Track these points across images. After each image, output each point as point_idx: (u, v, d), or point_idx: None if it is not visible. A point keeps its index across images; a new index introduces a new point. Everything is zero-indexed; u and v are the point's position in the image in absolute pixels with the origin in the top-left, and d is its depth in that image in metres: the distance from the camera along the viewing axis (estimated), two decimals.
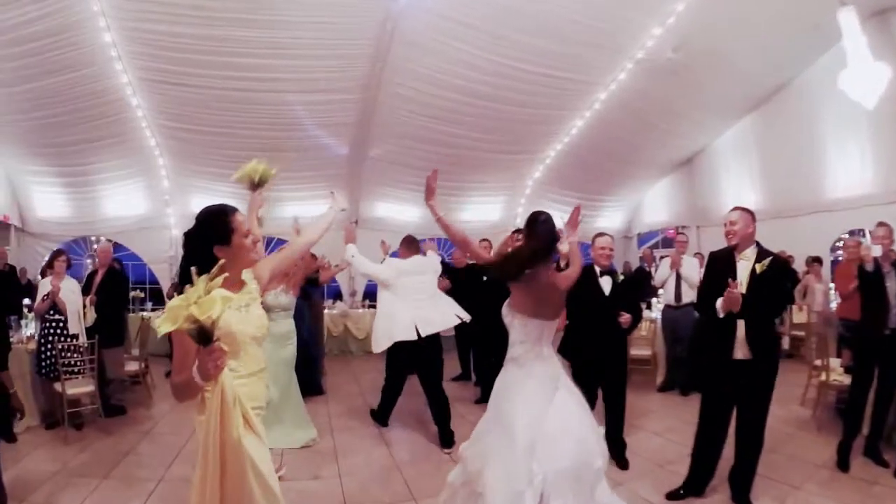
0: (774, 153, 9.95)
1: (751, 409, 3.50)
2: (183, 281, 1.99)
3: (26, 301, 5.86)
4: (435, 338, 4.94)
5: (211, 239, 2.10)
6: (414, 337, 4.77)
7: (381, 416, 5.49)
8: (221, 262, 1.85)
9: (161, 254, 10.22)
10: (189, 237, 2.17)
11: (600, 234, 4.66)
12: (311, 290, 6.71)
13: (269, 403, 4.05)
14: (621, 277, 4.52)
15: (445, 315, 5.03)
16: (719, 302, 3.46)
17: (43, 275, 6.70)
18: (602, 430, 3.00)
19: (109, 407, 5.56)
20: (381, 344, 4.90)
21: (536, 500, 2.57)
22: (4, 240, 9.98)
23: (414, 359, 5.01)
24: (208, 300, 1.72)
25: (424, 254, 5.29)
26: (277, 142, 8.79)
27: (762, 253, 3.52)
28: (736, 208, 3.69)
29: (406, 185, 10.24)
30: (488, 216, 11.66)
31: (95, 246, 10.26)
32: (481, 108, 8.58)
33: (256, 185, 3.40)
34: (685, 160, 11.72)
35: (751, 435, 3.51)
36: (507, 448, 2.67)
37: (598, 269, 4.45)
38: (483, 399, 5.95)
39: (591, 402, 4.38)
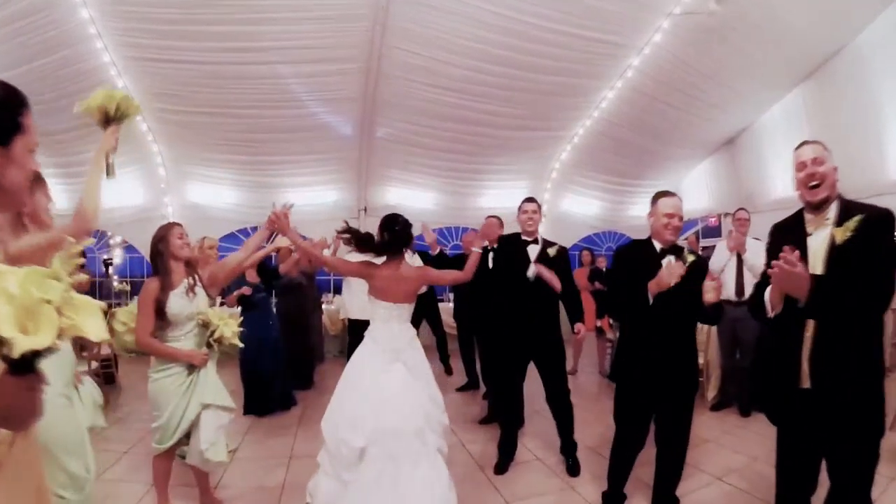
0: (828, 129, 8.63)
1: (841, 468, 2.26)
2: None
3: None
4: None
5: None
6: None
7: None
8: None
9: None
10: None
11: (665, 194, 3.20)
12: (277, 281, 5.97)
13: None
14: (691, 257, 3.08)
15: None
16: (768, 291, 2.38)
17: None
18: (438, 401, 3.42)
19: None
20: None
21: (358, 450, 3.06)
22: None
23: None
24: (81, 305, 1.00)
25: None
26: (276, 122, 8.12)
27: (847, 209, 2.29)
28: (807, 142, 2.52)
29: (418, 167, 9.44)
30: (511, 202, 10.36)
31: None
32: (498, 77, 7.62)
33: (112, 119, 2.59)
34: (727, 139, 10.58)
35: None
36: (338, 403, 3.28)
37: (658, 246, 3.17)
38: (491, 418, 5.17)
39: (640, 440, 3.25)
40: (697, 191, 11.85)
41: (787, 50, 8.03)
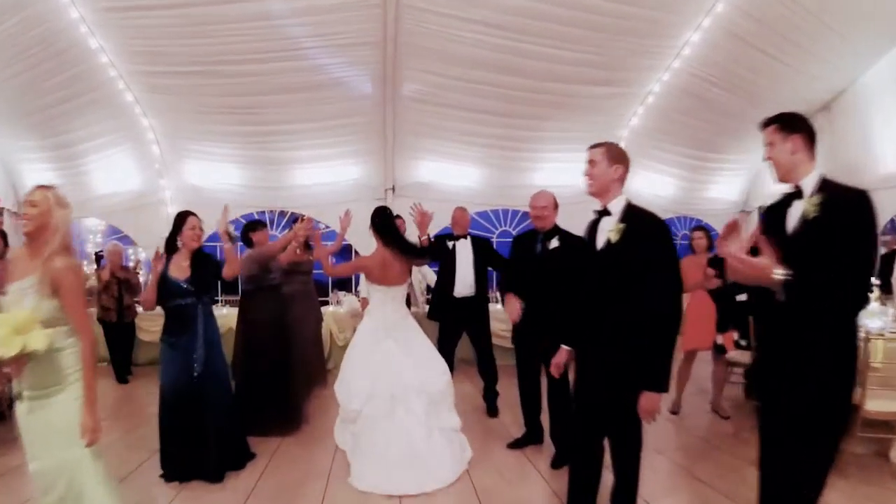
0: None
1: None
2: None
3: None
4: None
5: None
6: None
7: None
8: None
9: (155, 236, 8.10)
10: None
11: None
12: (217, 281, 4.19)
13: None
14: None
15: None
16: None
17: None
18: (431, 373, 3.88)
19: None
20: None
21: (356, 412, 3.75)
22: None
23: None
24: None
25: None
26: (277, 78, 6.69)
27: None
28: None
29: (455, 134, 7.76)
30: (571, 181, 8.44)
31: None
32: (554, 5, 5.88)
33: None
34: (823, 104, 8.59)
35: None
36: (342, 372, 3.97)
37: None
38: None
39: None
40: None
41: None
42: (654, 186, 9.57)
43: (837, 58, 7.59)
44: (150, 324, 6.83)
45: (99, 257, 8.01)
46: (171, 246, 3.66)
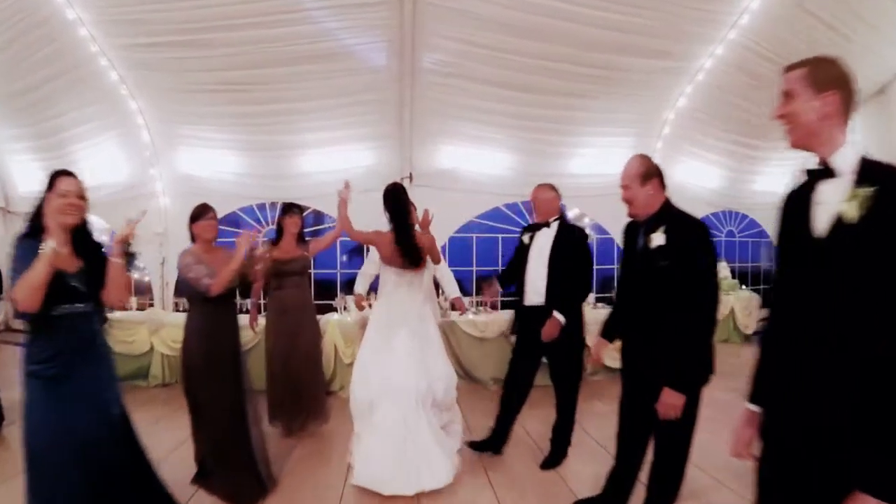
0: None
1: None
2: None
3: None
4: None
5: None
6: None
7: None
8: None
9: (147, 231, 7.31)
10: None
11: None
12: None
13: None
14: None
15: None
16: None
17: None
18: (439, 374, 3.66)
19: None
20: None
21: (367, 403, 3.54)
22: None
23: None
24: None
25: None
26: (278, 47, 5.89)
27: None
28: None
29: (482, 115, 6.88)
30: (612, 170, 7.53)
31: None
32: None
33: None
34: (879, 87, 7.85)
35: None
36: (356, 363, 3.77)
37: None
38: None
39: None
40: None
41: None
42: (698, 176, 8.77)
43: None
44: (124, 333, 5.98)
45: None
46: (37, 225, 2.33)
